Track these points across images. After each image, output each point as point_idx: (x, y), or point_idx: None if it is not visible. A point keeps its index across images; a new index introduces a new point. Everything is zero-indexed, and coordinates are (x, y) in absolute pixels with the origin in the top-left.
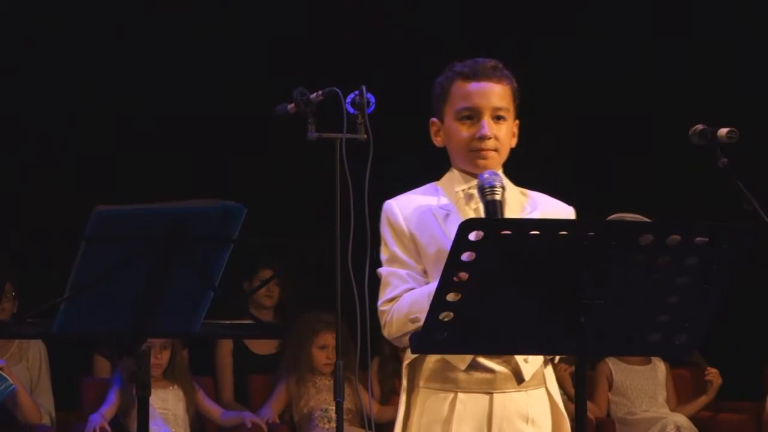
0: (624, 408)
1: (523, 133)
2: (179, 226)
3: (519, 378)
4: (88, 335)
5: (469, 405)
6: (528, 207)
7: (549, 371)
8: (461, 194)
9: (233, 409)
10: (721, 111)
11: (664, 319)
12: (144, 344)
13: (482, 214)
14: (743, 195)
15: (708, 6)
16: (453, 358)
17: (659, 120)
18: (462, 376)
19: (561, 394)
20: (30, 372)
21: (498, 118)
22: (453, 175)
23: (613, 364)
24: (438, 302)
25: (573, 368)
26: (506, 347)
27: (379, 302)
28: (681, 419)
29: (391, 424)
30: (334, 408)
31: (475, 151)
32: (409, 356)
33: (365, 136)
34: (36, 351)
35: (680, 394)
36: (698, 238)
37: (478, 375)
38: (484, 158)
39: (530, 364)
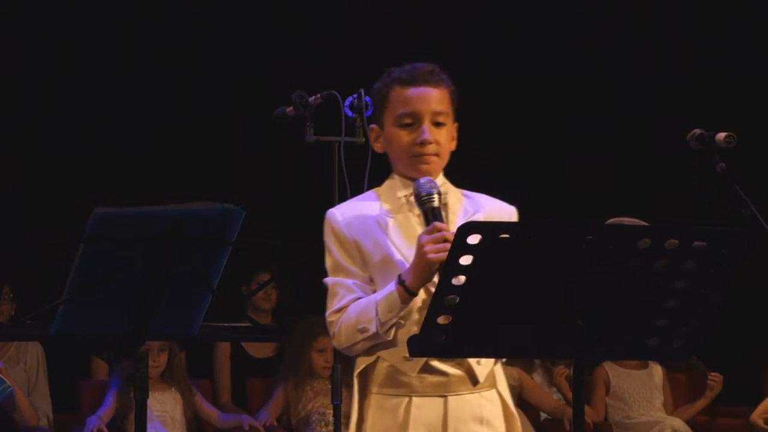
0: (621, 412)
1: (523, 134)
2: (178, 229)
3: (473, 380)
4: (86, 337)
5: (423, 409)
6: (470, 208)
7: (499, 372)
8: (403, 200)
9: (231, 412)
10: (719, 115)
11: (661, 323)
12: (142, 347)
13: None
14: (741, 199)
15: (708, 7)
16: (403, 365)
17: (658, 124)
18: (415, 380)
19: (560, 399)
20: (28, 374)
21: (437, 124)
22: (394, 182)
23: (610, 368)
24: (436, 305)
25: (571, 372)
26: (504, 350)
27: (327, 313)
28: (678, 423)
29: None
30: (331, 411)
31: (416, 156)
32: (359, 365)
33: (363, 139)
34: (34, 353)
35: (677, 398)
36: (696, 243)
37: (431, 378)
38: (426, 163)
39: (483, 365)
